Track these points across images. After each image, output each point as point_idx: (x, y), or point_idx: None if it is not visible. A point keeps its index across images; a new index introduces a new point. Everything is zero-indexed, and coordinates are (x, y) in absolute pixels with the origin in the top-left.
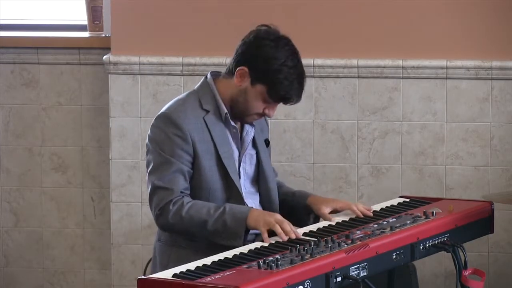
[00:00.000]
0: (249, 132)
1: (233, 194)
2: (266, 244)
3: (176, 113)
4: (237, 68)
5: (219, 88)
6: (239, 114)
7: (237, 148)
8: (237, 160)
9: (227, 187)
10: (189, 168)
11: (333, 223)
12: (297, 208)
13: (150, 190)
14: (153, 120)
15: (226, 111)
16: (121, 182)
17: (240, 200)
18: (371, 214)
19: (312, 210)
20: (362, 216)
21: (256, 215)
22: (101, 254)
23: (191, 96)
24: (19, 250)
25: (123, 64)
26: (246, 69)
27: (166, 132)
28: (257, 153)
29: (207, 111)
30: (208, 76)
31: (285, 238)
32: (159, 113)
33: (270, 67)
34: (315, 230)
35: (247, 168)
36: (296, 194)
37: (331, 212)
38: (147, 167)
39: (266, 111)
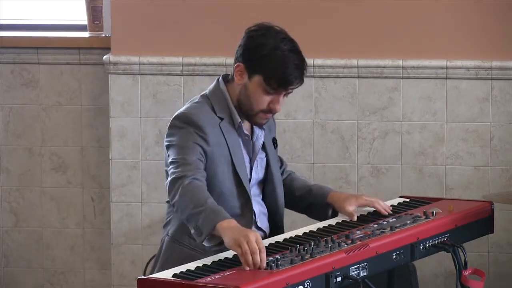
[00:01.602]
0: (259, 136)
1: (243, 201)
2: (266, 244)
3: (196, 114)
4: (235, 66)
5: (231, 94)
6: (246, 116)
7: (248, 154)
8: (249, 167)
9: (239, 194)
10: (205, 164)
11: (333, 223)
12: (315, 204)
13: (174, 166)
14: (170, 121)
15: (239, 120)
16: (121, 182)
17: (249, 207)
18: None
19: (334, 208)
20: (384, 212)
21: (232, 230)
22: (101, 254)
23: (205, 102)
24: (19, 250)
25: (123, 64)
26: (241, 64)
27: (186, 128)
28: (267, 156)
29: (222, 119)
30: (220, 80)
31: (247, 269)
32: (176, 113)
33: (262, 53)
34: (315, 230)
35: (259, 172)
36: (314, 191)
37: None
38: (169, 158)
39: (271, 105)
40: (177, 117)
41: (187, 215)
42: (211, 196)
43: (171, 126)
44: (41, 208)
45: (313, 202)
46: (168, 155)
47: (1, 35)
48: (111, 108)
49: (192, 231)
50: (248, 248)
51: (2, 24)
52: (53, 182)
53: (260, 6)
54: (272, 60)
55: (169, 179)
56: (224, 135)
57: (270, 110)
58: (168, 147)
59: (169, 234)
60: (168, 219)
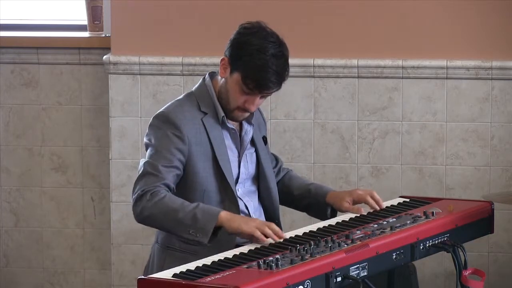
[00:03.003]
0: (248, 131)
1: (228, 196)
2: (266, 244)
3: (174, 113)
4: (220, 59)
5: (216, 89)
6: (225, 110)
7: (237, 148)
8: (237, 161)
9: (223, 189)
10: (180, 170)
11: (333, 223)
12: (314, 204)
13: (140, 174)
14: (150, 120)
15: (223, 114)
16: (121, 182)
17: (234, 202)
18: (383, 206)
19: (334, 208)
20: (376, 207)
21: (238, 217)
22: (101, 254)
23: (189, 98)
24: (19, 250)
25: (123, 64)
26: (226, 58)
27: (164, 130)
28: (256, 151)
29: (205, 113)
30: (206, 77)
31: (277, 240)
32: (156, 113)
33: (245, 52)
34: (315, 230)
35: (249, 167)
36: (312, 191)
37: (355, 204)
38: (143, 158)
39: (246, 105)
40: (156, 116)
41: (174, 224)
42: (194, 194)
43: (151, 125)
44: (41, 208)
45: (312, 202)
46: (145, 153)
47: (1, 35)
48: (111, 108)
49: (191, 236)
50: (266, 226)
51: (2, 24)
52: (53, 182)
53: (260, 6)
54: (254, 61)
55: (137, 190)
56: (206, 131)
57: (244, 109)
58: (146, 145)
59: (158, 242)
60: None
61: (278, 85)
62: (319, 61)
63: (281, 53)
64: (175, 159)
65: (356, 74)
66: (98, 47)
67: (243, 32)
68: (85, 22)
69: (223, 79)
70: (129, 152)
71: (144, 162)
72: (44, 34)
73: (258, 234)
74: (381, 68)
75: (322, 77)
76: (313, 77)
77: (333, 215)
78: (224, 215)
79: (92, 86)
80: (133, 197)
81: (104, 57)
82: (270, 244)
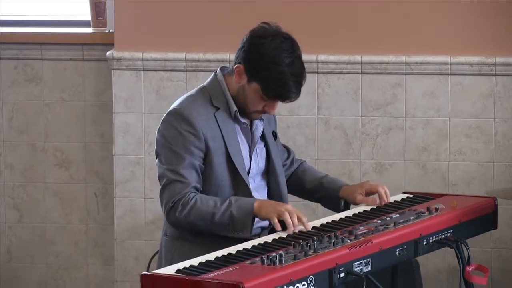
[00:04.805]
0: (258, 126)
1: (241, 190)
2: (270, 240)
3: (188, 109)
4: (235, 66)
5: (228, 85)
6: (242, 111)
7: (248, 143)
8: (248, 156)
9: (236, 184)
10: (202, 166)
11: (337, 219)
12: (327, 197)
13: (165, 183)
14: (164, 116)
15: (235, 108)
16: (125, 178)
17: (248, 196)
18: (388, 201)
19: (348, 202)
20: (384, 201)
21: (266, 204)
22: (104, 250)
23: (202, 93)
24: (22, 246)
25: (126, 60)
26: (241, 67)
27: (178, 128)
28: (266, 146)
29: (218, 108)
30: (218, 72)
31: (291, 231)
32: (170, 109)
33: (263, 65)
34: (318, 226)
35: (259, 162)
36: (325, 185)
37: (367, 195)
38: (160, 162)
39: (266, 108)
40: (170, 113)
41: (212, 226)
42: (210, 190)
43: (164, 122)
44: (44, 204)
45: (325, 195)
46: (159, 153)
47: (4, 31)
48: (114, 104)
49: (232, 234)
50: (288, 212)
51: (5, 20)
52: (57, 178)
53: (263, 2)
54: (271, 74)
55: (167, 201)
56: (219, 126)
57: (263, 112)
58: (158, 142)
59: (167, 234)
60: (164, 221)
61: (298, 92)
62: (322, 57)
63: (297, 59)
64: (194, 157)
65: (360, 70)
66: (102, 43)
67: (256, 42)
68: (89, 18)
69: (238, 84)
70: (132, 148)
71: (165, 170)
72: (47, 30)
73: (288, 220)
74: (385, 64)
75: (325, 73)
76: (317, 73)
77: (347, 207)
78: (257, 205)
79: (96, 82)
80: (164, 208)
81: (108, 53)
82: (273, 240)
